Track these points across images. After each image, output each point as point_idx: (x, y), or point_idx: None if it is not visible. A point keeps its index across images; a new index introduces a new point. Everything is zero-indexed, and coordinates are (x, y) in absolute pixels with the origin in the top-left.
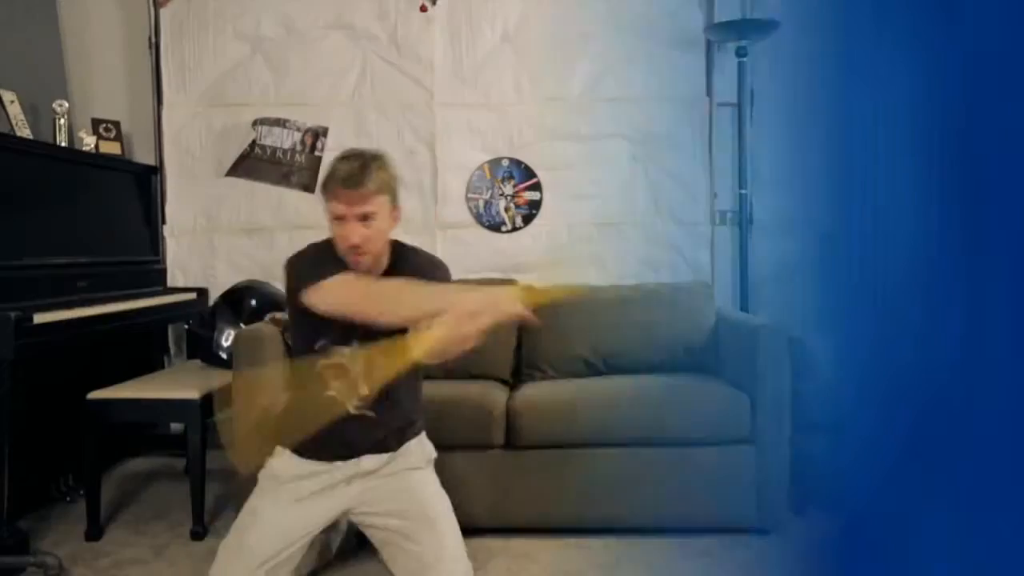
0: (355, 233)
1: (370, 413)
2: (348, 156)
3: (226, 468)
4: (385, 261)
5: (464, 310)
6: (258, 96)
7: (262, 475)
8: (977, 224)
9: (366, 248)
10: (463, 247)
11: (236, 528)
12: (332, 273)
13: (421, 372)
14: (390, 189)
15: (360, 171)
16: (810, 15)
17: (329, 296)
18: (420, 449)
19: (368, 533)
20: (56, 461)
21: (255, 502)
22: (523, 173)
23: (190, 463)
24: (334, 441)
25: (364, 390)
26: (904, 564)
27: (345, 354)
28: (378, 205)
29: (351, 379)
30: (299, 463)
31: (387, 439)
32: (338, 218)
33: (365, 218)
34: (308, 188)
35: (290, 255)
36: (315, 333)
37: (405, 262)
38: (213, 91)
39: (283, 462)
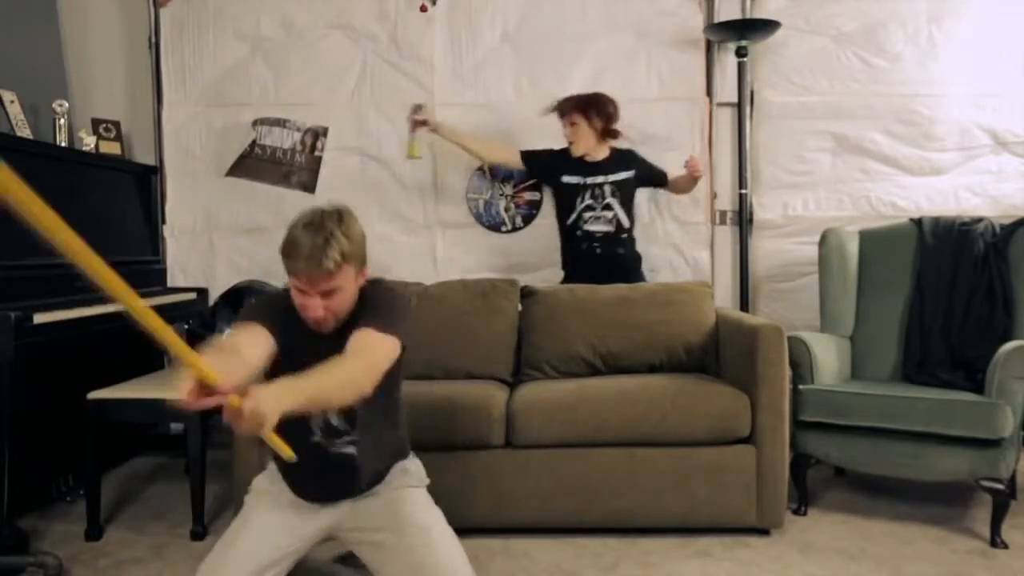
0: (318, 308)
1: (349, 450)
2: (310, 224)
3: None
4: (348, 312)
5: None
6: (258, 96)
7: (247, 497)
8: None
9: (330, 317)
10: (463, 247)
11: (219, 543)
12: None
13: (396, 403)
14: (356, 256)
15: (323, 247)
16: None
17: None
18: (415, 468)
19: (358, 551)
20: (56, 461)
21: (239, 518)
22: (523, 173)
23: (190, 463)
24: (315, 485)
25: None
26: None
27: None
28: (342, 278)
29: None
30: (280, 482)
31: (369, 483)
32: (301, 292)
33: (330, 292)
34: (308, 188)
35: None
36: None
37: (360, 310)
38: (213, 91)
39: (266, 477)
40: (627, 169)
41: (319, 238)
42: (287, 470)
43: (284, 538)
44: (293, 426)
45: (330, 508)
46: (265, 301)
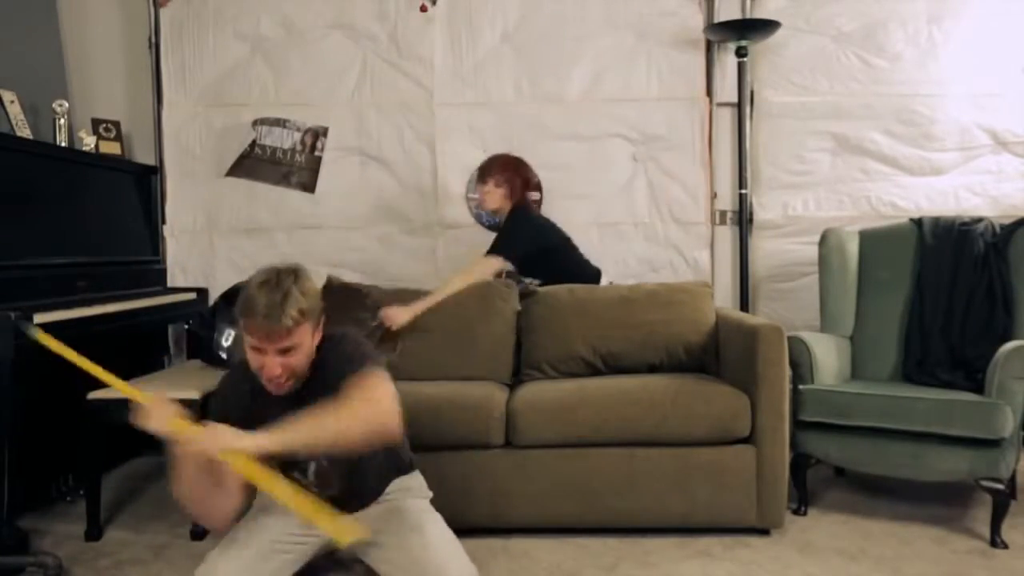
0: (275, 366)
1: (332, 492)
2: (267, 282)
3: None
4: (306, 370)
5: None
6: (258, 96)
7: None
8: None
9: (288, 376)
10: (463, 247)
11: (220, 544)
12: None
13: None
14: (312, 313)
15: (280, 304)
16: None
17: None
18: (416, 484)
19: (360, 554)
20: (56, 461)
21: (244, 520)
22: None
23: None
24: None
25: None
26: None
27: (303, 479)
28: (300, 336)
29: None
30: None
31: (366, 502)
32: (258, 351)
33: (287, 350)
34: (308, 188)
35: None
36: None
37: (323, 367)
38: (213, 91)
39: None
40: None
41: (276, 295)
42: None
43: (286, 543)
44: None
45: None
46: (222, 404)
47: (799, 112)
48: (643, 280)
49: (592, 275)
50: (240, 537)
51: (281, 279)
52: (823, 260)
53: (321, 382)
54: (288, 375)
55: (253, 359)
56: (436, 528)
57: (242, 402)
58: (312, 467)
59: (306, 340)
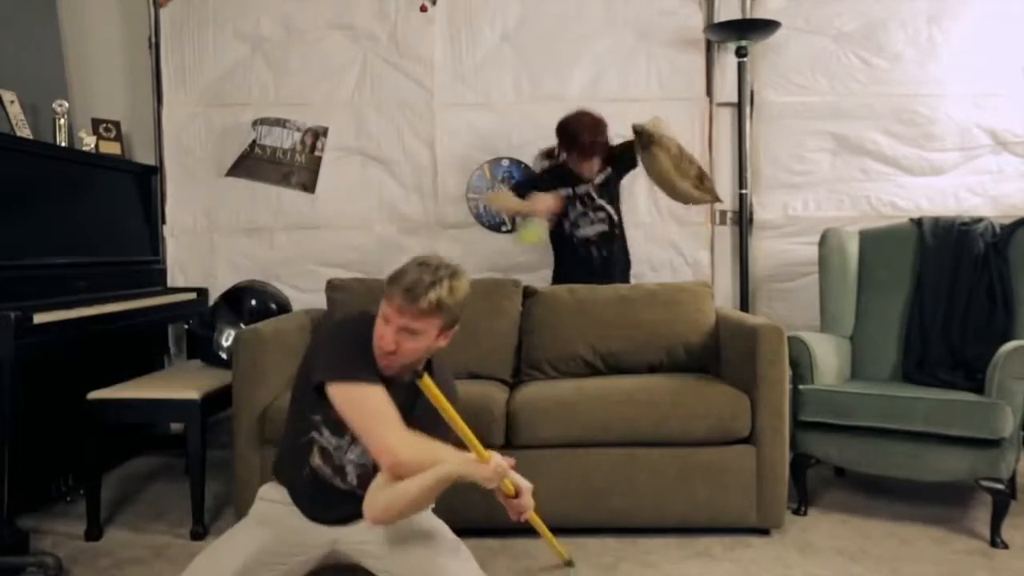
0: (392, 341)
1: (354, 489)
2: (424, 264)
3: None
4: (420, 368)
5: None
6: (258, 96)
7: (254, 505)
8: None
9: (399, 358)
10: (463, 247)
11: (214, 543)
12: (365, 377)
13: None
14: (449, 313)
15: (426, 287)
16: None
17: (345, 408)
18: None
19: (362, 562)
20: (56, 461)
21: (238, 525)
22: (523, 173)
23: (190, 463)
24: (308, 502)
25: (352, 479)
26: None
27: (333, 443)
28: (428, 325)
29: (336, 464)
30: (285, 495)
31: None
32: (385, 319)
33: (410, 331)
34: (308, 188)
35: (335, 325)
36: (315, 405)
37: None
38: (213, 91)
39: (272, 487)
40: (604, 169)
41: (426, 276)
42: (291, 486)
43: (279, 553)
44: (298, 451)
45: (330, 527)
46: (357, 350)
47: (799, 112)
48: (643, 280)
49: None
50: (225, 548)
51: (439, 267)
52: (823, 260)
53: (416, 389)
54: (398, 357)
55: (378, 325)
56: (444, 537)
57: (371, 362)
58: (354, 470)
59: (431, 334)
